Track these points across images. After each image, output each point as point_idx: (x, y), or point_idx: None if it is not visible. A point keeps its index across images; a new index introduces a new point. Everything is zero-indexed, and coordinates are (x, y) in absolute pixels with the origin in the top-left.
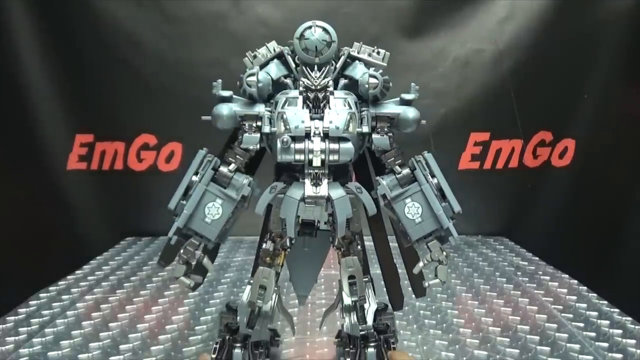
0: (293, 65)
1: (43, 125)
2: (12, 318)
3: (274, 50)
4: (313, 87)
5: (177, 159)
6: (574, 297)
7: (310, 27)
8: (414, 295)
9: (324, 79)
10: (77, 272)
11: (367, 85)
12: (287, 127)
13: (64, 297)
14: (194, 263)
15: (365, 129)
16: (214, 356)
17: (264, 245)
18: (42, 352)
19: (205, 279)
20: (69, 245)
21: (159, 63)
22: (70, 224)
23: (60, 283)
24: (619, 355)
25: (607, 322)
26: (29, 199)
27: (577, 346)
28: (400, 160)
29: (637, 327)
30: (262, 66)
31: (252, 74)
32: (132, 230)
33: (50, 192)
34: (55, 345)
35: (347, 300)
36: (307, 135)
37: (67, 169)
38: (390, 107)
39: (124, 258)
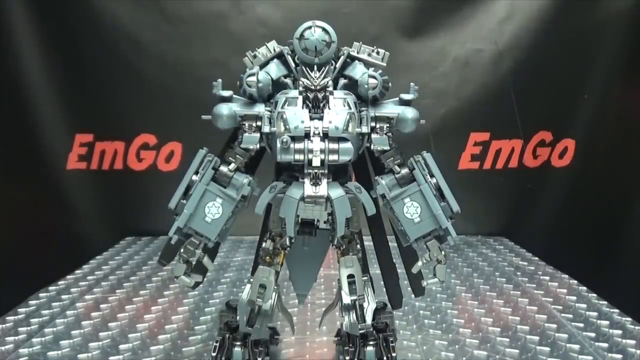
0: (293, 65)
1: (43, 125)
2: (12, 318)
3: (274, 50)
4: (313, 87)
5: (177, 159)
6: (574, 298)
7: (310, 27)
8: (413, 295)
9: (323, 79)
10: (77, 271)
11: (366, 86)
12: (287, 127)
13: (63, 296)
14: (194, 262)
15: (365, 129)
16: (214, 354)
17: (263, 245)
18: (42, 352)
19: (205, 279)
20: (69, 244)
21: (159, 63)
22: (70, 224)
23: (59, 283)
24: (619, 356)
25: (607, 322)
26: (29, 198)
27: (576, 346)
28: (399, 160)
29: (636, 327)
30: (262, 66)
31: (252, 74)
32: (132, 230)
33: (50, 191)
34: (54, 345)
35: (347, 299)
36: (307, 135)
37: (67, 168)
38: (390, 107)
39: (124, 258)
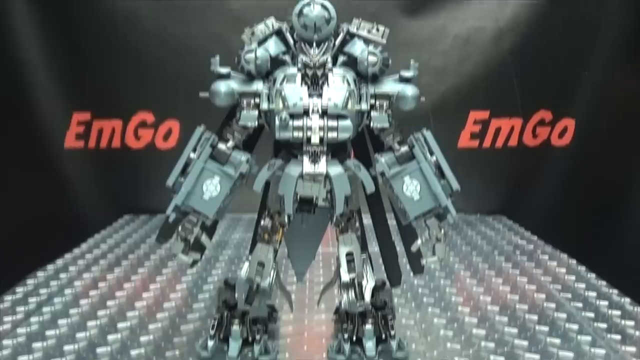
0: (292, 41)
1: (40, 104)
2: (10, 297)
3: (273, 26)
4: (312, 64)
5: (175, 137)
6: (573, 277)
7: (309, 4)
8: (412, 273)
9: (322, 55)
10: (75, 250)
11: (366, 63)
12: (286, 104)
13: (61, 275)
14: (192, 240)
15: (364, 106)
16: (212, 332)
17: (262, 222)
18: (40, 332)
19: (203, 257)
20: (66, 223)
21: (157, 40)
22: (68, 202)
23: (57, 261)
24: (618, 336)
25: (606, 302)
26: (27, 177)
27: (575, 326)
28: (399, 138)
29: (636, 308)
30: (261, 43)
31: (250, 51)
32: (130, 208)
33: (48, 170)
34: (52, 324)
35: (345, 277)
36: (306, 113)
37: (64, 147)
38: (390, 85)
39: (122, 236)
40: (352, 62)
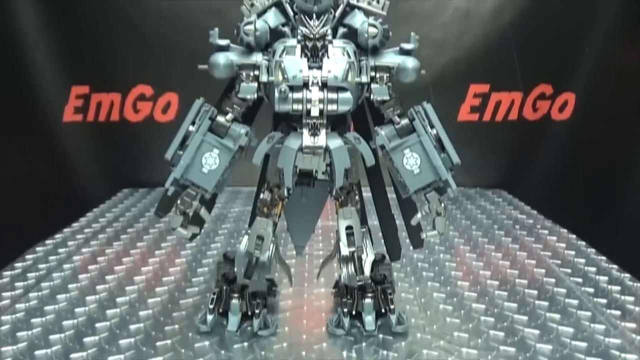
0: (291, 13)
1: (39, 78)
2: (8, 272)
3: None
4: (311, 36)
5: (174, 110)
6: (573, 252)
7: None
8: (411, 247)
9: (322, 27)
10: (74, 224)
11: (366, 35)
12: (285, 76)
13: (60, 250)
14: (191, 214)
15: (364, 78)
16: (211, 306)
17: (261, 196)
18: (39, 307)
19: (202, 230)
20: (65, 197)
21: (155, 12)
22: (67, 176)
23: (56, 236)
24: (618, 312)
25: (606, 278)
26: (25, 152)
27: (575, 301)
28: (399, 111)
29: (635, 283)
30: (260, 14)
31: (249, 23)
32: (129, 182)
33: (47, 144)
34: (51, 299)
35: (345, 250)
36: (305, 85)
37: (63, 121)
38: (390, 57)
39: (121, 210)
40: (352, 34)
